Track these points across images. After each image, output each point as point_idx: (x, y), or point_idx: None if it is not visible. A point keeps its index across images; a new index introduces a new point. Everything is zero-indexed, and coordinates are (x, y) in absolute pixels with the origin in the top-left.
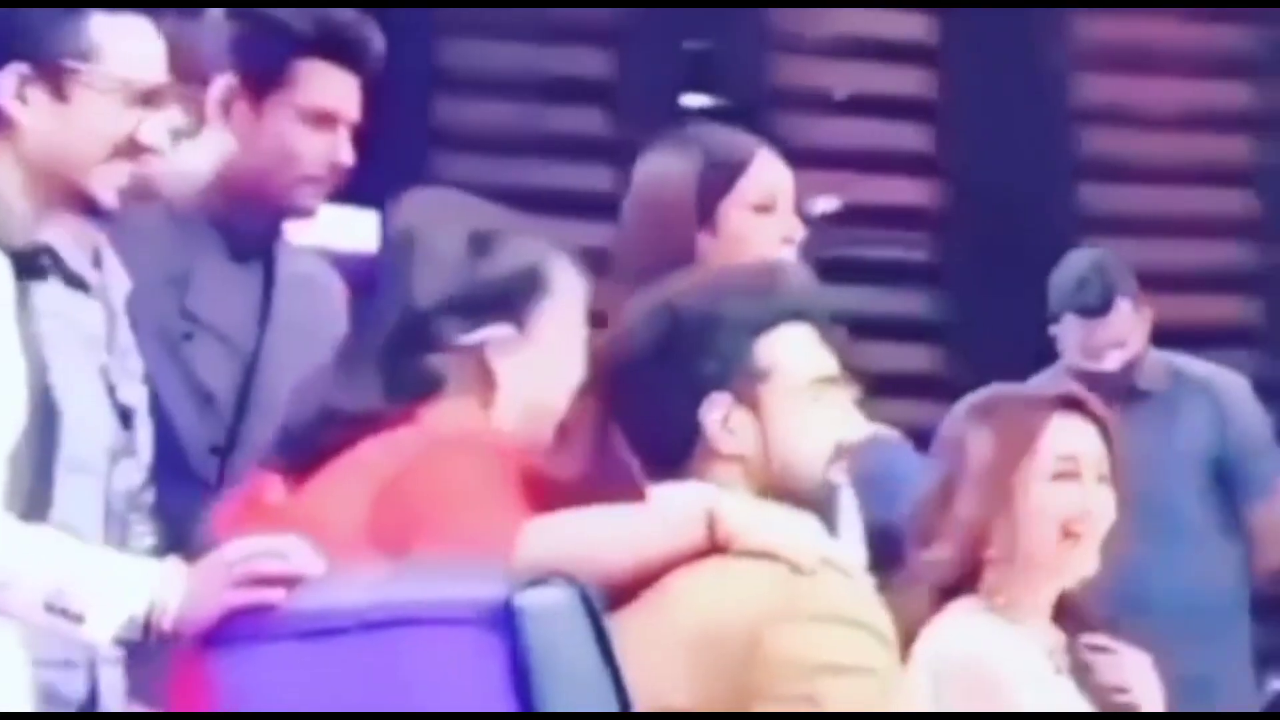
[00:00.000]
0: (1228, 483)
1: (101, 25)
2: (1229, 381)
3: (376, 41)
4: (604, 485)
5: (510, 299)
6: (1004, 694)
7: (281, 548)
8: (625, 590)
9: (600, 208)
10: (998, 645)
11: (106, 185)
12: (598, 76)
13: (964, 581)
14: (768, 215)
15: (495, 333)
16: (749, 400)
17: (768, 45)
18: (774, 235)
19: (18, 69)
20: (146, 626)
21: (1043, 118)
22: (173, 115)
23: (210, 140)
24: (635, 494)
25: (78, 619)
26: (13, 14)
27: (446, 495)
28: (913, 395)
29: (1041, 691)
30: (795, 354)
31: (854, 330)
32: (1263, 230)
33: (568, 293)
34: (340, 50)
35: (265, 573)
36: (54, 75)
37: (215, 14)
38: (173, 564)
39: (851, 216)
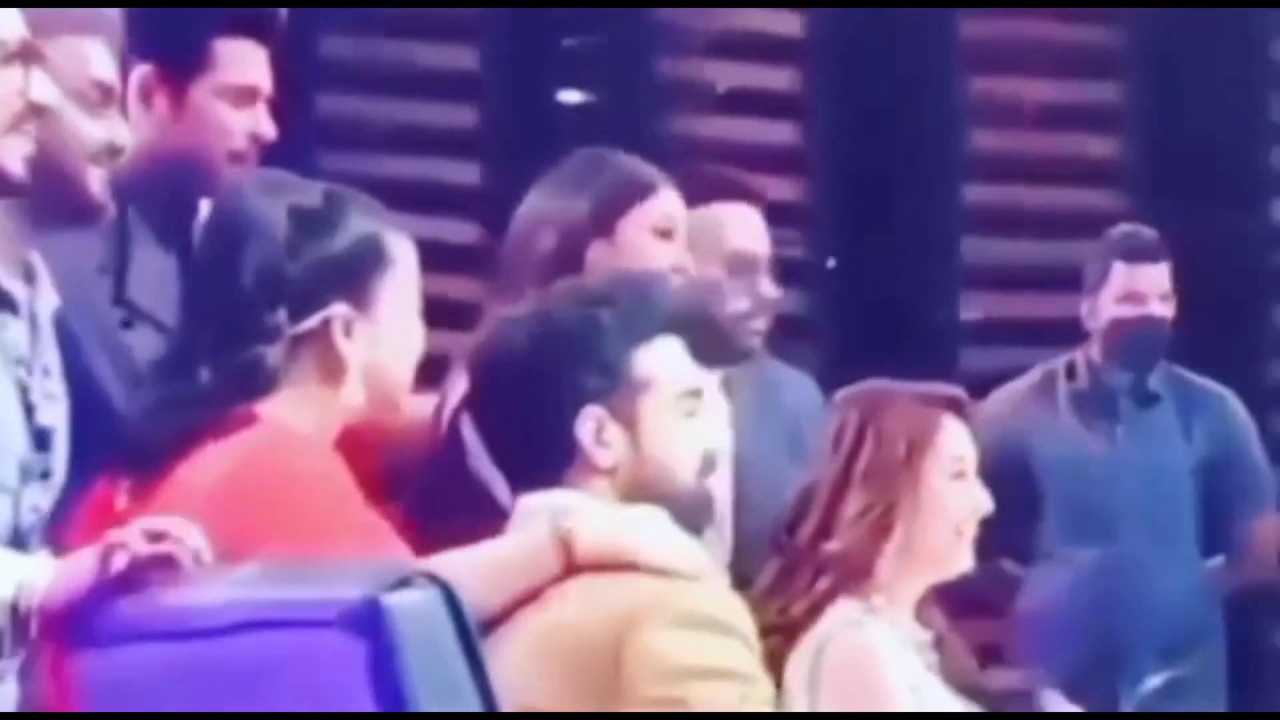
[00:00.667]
0: (1216, 494)
1: None
2: (1228, 395)
3: (282, 13)
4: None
5: (350, 274)
6: (887, 695)
7: (160, 526)
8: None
9: (472, 202)
10: (883, 647)
11: (13, 156)
12: (470, 72)
13: (859, 574)
14: (665, 241)
15: (337, 312)
16: (623, 412)
17: (642, 41)
18: (667, 261)
19: None
20: (14, 611)
21: (916, 115)
22: (116, 129)
23: (132, 130)
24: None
25: None
26: None
27: (289, 501)
28: None
29: (919, 694)
30: (670, 367)
31: None
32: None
33: (405, 262)
34: (252, 24)
35: (138, 550)
36: None
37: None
38: (42, 554)
39: None
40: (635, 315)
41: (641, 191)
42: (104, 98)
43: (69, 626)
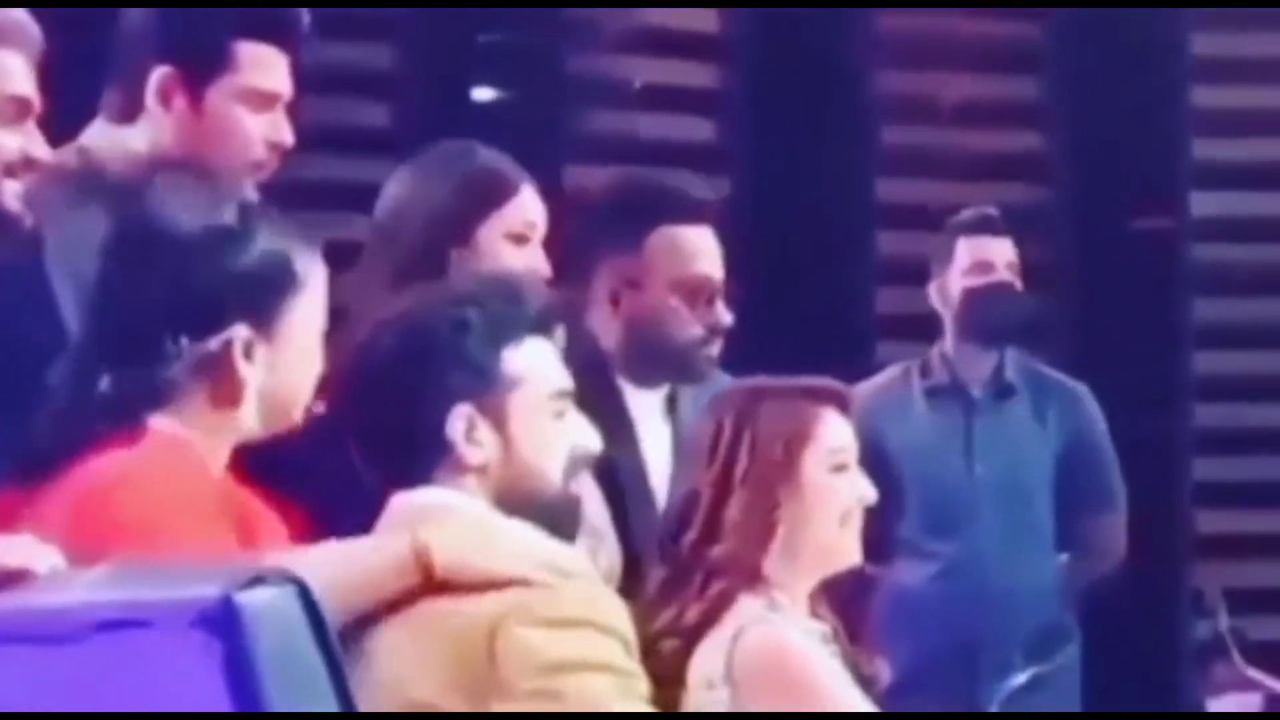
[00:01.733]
0: (1068, 489)
1: None
2: (1082, 390)
3: (304, 17)
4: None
5: (257, 296)
6: (816, 690)
7: (16, 548)
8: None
9: None
10: (796, 641)
11: None
12: (384, 70)
13: (749, 575)
14: (521, 246)
15: (238, 334)
16: (493, 412)
17: (558, 38)
18: (524, 266)
19: None
20: None
21: (833, 111)
22: (32, 143)
23: (147, 130)
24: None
25: None
26: None
27: (146, 524)
28: None
29: (842, 684)
30: (539, 367)
31: None
32: (1053, 224)
33: (313, 285)
34: (273, 28)
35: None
36: None
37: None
38: None
39: None
40: (504, 315)
41: (499, 197)
42: (18, 111)
43: None
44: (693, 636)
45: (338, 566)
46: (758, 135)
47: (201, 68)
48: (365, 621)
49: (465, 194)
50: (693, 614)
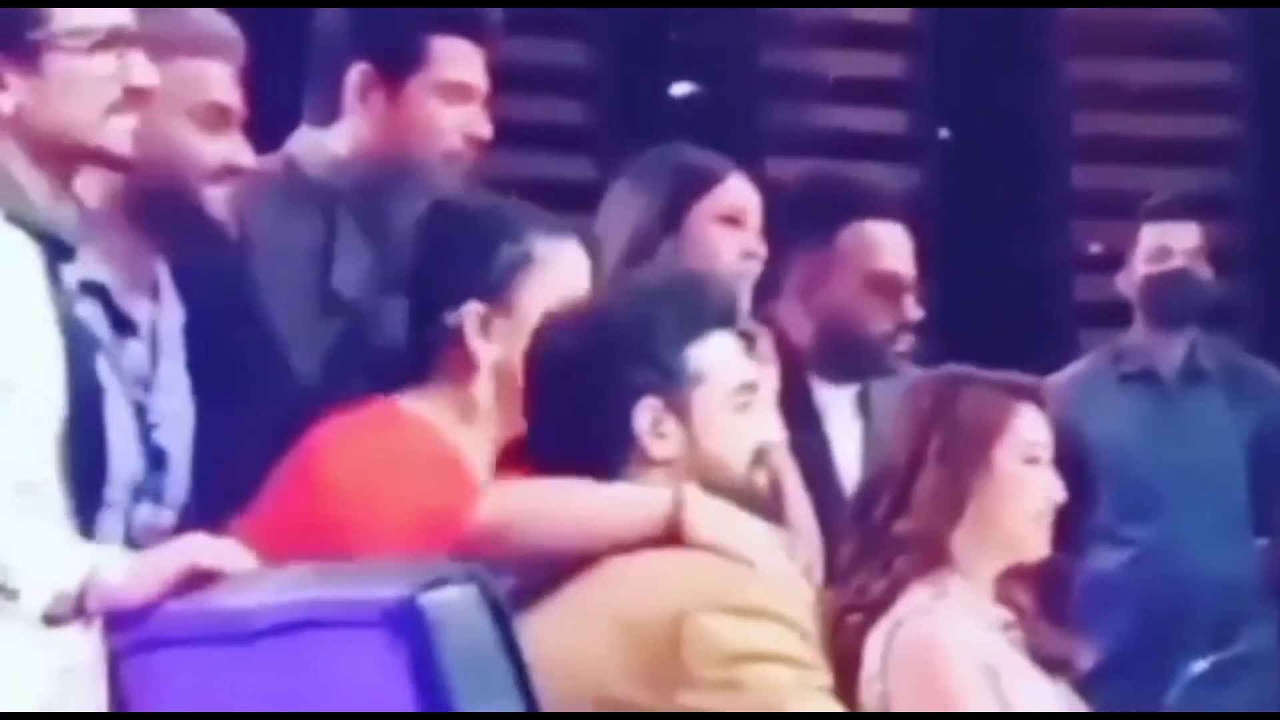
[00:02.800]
0: (1265, 473)
1: None
2: (1276, 373)
3: (496, 12)
4: None
5: (489, 270)
6: (953, 682)
7: (214, 549)
8: (569, 564)
9: (585, 198)
10: (950, 634)
11: (117, 138)
12: (580, 67)
13: (933, 553)
14: (734, 228)
15: (470, 310)
16: (678, 405)
17: (750, 32)
18: (736, 248)
19: None
20: (79, 605)
21: (1030, 102)
22: (236, 150)
23: (347, 129)
24: None
25: (13, 595)
26: None
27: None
28: None
29: (1000, 676)
30: (723, 361)
31: None
32: (1247, 209)
33: (556, 265)
34: (468, 24)
35: (203, 566)
36: (23, 54)
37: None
38: (118, 549)
39: None
40: (689, 311)
41: (705, 183)
42: (221, 119)
43: (127, 626)
44: (874, 611)
45: (600, 494)
46: (949, 126)
47: (398, 64)
48: (542, 607)
49: (671, 183)
50: (876, 589)
